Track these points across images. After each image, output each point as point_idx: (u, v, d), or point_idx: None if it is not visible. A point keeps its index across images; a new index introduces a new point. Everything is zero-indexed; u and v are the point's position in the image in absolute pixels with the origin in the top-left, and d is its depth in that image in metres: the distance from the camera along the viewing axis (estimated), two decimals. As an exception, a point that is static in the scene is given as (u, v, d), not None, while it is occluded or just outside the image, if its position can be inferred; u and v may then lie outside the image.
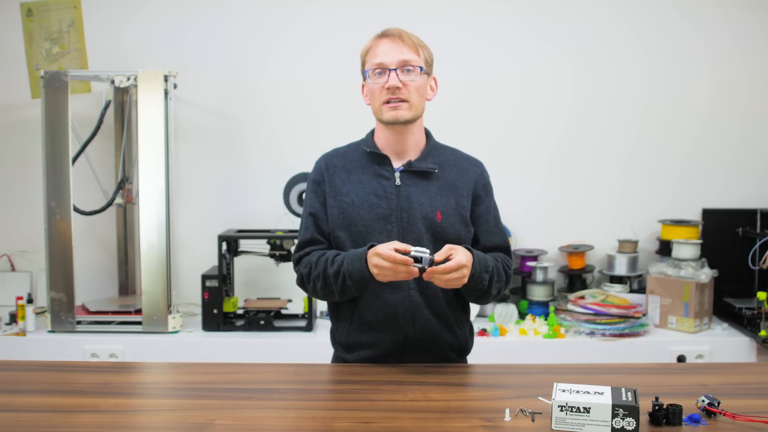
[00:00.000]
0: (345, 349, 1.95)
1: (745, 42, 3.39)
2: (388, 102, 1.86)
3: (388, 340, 1.88)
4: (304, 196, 2.02)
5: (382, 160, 1.92)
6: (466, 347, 2.00)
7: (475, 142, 3.52)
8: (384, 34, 1.90)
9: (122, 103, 3.34)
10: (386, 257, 1.70)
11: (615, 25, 3.40)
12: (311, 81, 3.43)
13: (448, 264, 1.70)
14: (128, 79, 3.09)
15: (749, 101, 3.42)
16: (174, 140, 3.09)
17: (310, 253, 1.91)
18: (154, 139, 3.03)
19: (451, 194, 1.92)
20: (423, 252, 1.70)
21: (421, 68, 1.88)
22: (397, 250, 1.70)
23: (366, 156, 1.93)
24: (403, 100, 1.86)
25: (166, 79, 3.03)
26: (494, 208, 2.00)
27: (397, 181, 1.90)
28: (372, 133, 1.98)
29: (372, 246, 1.77)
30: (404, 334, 1.88)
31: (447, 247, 1.75)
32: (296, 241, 2.00)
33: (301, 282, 1.93)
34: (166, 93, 3.04)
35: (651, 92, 3.42)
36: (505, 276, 1.93)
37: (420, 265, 1.69)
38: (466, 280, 1.74)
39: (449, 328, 1.92)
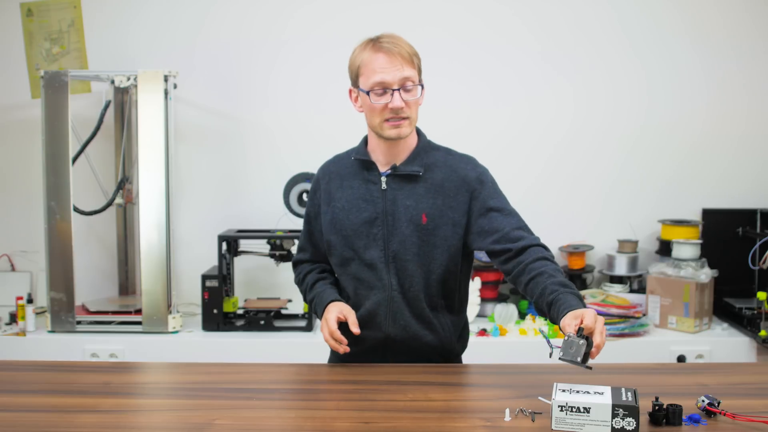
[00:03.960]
0: None
1: (746, 46, 3.39)
2: (388, 120, 1.85)
3: (370, 338, 1.92)
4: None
5: (370, 165, 1.94)
6: (451, 351, 1.98)
7: (479, 143, 3.52)
8: (379, 48, 1.83)
9: (122, 103, 3.34)
10: (328, 324, 1.88)
11: (618, 28, 3.40)
12: (312, 81, 3.42)
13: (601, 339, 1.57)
14: (128, 79, 3.09)
15: (749, 101, 3.41)
16: (174, 140, 3.09)
17: (303, 262, 2.10)
18: (154, 139, 3.03)
19: (439, 195, 1.90)
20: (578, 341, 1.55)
21: (420, 85, 1.87)
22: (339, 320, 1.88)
23: (356, 163, 1.96)
24: (404, 118, 1.85)
25: (166, 79, 3.03)
26: (499, 194, 1.92)
27: (383, 186, 1.91)
28: (365, 140, 1.99)
29: (333, 301, 1.94)
30: (384, 333, 1.91)
31: (572, 314, 1.62)
32: (296, 241, 2.14)
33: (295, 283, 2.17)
34: (166, 93, 3.04)
35: (652, 94, 3.41)
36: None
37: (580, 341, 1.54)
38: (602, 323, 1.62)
39: (431, 330, 1.92)
